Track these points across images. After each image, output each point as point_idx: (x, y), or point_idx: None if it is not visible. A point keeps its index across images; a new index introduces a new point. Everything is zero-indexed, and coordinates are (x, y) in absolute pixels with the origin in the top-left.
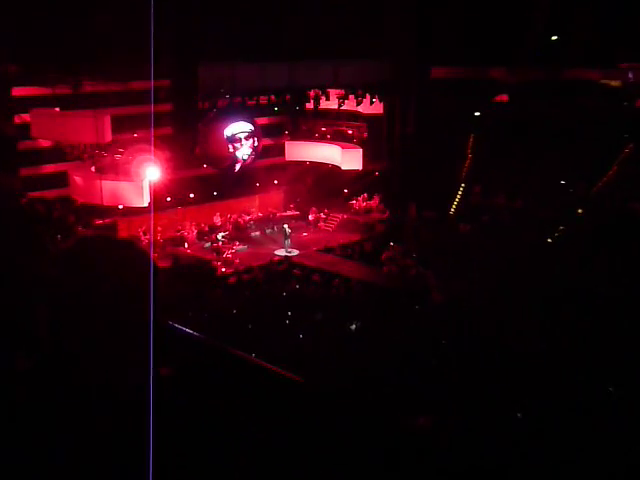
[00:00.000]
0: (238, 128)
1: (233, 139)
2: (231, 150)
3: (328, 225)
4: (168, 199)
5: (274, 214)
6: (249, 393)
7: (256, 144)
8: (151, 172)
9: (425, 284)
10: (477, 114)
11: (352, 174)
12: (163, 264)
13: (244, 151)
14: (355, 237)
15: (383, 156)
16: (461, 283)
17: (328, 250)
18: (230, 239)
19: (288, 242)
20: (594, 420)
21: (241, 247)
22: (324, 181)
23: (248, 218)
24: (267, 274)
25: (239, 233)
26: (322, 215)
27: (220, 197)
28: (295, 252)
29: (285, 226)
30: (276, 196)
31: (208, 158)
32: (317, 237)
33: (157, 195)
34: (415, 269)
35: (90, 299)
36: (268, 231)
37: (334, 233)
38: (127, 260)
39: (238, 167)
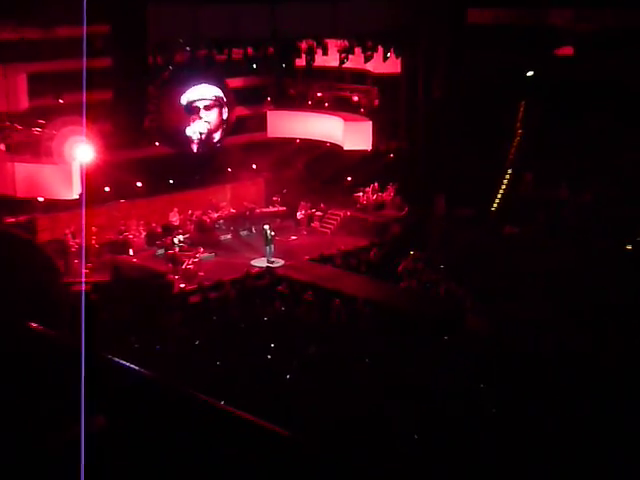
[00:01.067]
0: (203, 93)
1: (196, 108)
2: (193, 123)
3: (325, 226)
4: (107, 189)
5: (251, 210)
6: (217, 453)
7: (227, 115)
8: (83, 152)
9: (458, 307)
10: (530, 74)
11: (358, 156)
12: (99, 277)
13: (200, 127)
14: (362, 242)
15: (400, 131)
16: (508, 306)
17: (325, 259)
18: (192, 244)
19: (271, 248)
20: None
21: (206, 255)
22: (320, 166)
23: (216, 216)
24: (242, 292)
25: (204, 236)
26: (317, 212)
27: (178, 187)
28: (280, 262)
29: (266, 227)
30: (254, 186)
31: (162, 134)
32: (310, 242)
33: (91, 184)
34: (444, 286)
35: None
36: (243, 233)
37: (333, 236)
38: (24, 265)
39: (203, 146)
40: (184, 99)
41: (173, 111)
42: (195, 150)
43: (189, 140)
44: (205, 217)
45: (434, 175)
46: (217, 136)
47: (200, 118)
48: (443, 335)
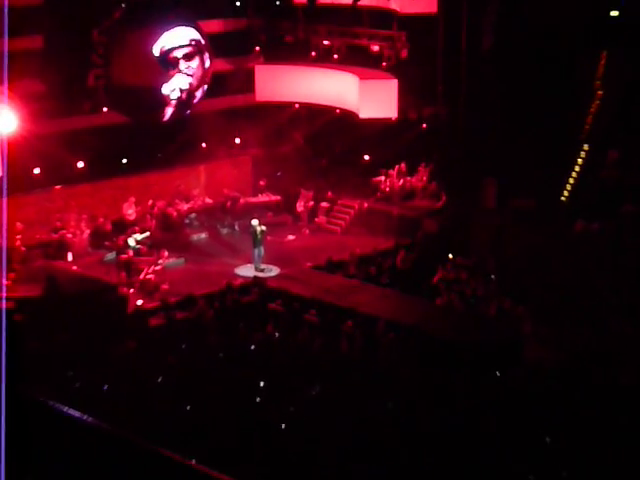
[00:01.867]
0: (178, 38)
1: (174, 59)
2: (172, 78)
3: (334, 221)
4: (36, 171)
5: (234, 200)
6: None
7: (205, 68)
8: (3, 121)
9: (514, 332)
10: (614, 14)
11: (379, 127)
12: (26, 291)
13: (180, 82)
14: (383, 243)
15: (437, 94)
16: (580, 331)
17: (334, 267)
18: (153, 246)
19: (260, 252)
20: None
21: (173, 261)
22: (327, 140)
23: (186, 208)
24: (221, 311)
25: (170, 235)
26: (323, 203)
27: (135, 169)
28: (273, 270)
29: (255, 223)
30: (238, 168)
31: (114, 96)
32: (314, 243)
33: (15, 164)
34: (495, 303)
35: None
36: (223, 231)
37: (345, 236)
38: None
39: (181, 110)
40: (156, 48)
41: (132, 64)
42: (168, 116)
43: (164, 102)
44: (171, 209)
45: (482, 153)
46: (199, 94)
47: (180, 71)
48: (494, 370)
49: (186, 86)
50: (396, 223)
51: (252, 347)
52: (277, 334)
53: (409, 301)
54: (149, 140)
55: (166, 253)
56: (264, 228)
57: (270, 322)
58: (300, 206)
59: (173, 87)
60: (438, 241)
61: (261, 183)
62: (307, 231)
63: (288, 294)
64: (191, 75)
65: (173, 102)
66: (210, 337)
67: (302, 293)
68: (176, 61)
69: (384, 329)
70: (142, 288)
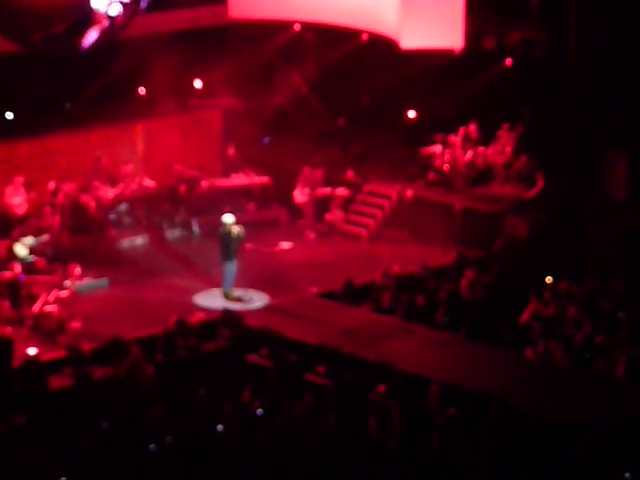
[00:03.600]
0: None
1: None
2: None
3: (357, 218)
4: None
5: (192, 183)
6: None
7: None
8: None
9: None
10: None
11: (433, 64)
12: None
13: None
14: (439, 256)
15: (528, 10)
16: None
17: (356, 294)
18: (56, 258)
19: (233, 268)
20: None
21: (90, 282)
22: (348, 85)
23: (113, 194)
24: (168, 365)
25: (84, 239)
26: (339, 190)
27: (28, 129)
28: (255, 300)
29: (228, 220)
30: (200, 130)
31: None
32: (322, 254)
33: None
34: (625, 356)
35: None
36: (174, 233)
37: (374, 243)
38: None
39: (92, 38)
40: None
41: None
42: (89, 43)
43: (89, 20)
44: (87, 197)
45: (605, 110)
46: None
47: None
48: (623, 470)
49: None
50: (460, 223)
51: (219, 428)
52: (259, 406)
53: (481, 353)
54: (52, 82)
55: (78, 269)
56: (241, 230)
57: (249, 385)
58: (301, 194)
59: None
60: (529, 254)
61: (230, 153)
62: (312, 234)
63: (280, 339)
64: None
65: (106, 19)
66: (149, 411)
67: (303, 338)
68: None
69: (439, 399)
70: (38, 327)
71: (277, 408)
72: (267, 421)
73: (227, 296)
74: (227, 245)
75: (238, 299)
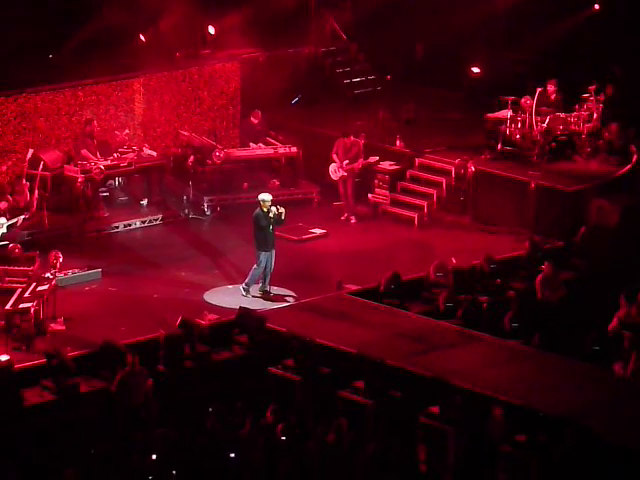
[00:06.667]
0: None
1: None
2: None
3: (407, 199)
4: None
5: (205, 152)
6: None
7: None
8: None
9: None
10: None
11: (501, 4)
12: None
13: None
14: (508, 246)
15: None
16: None
17: (404, 292)
18: (34, 243)
19: (271, 259)
20: None
21: (77, 273)
22: (395, 32)
23: (105, 165)
24: (171, 377)
25: (70, 220)
26: (384, 163)
27: (3, 85)
28: (286, 298)
29: (265, 197)
30: (213, 87)
31: None
32: (363, 243)
33: None
34: None
35: None
36: (185, 214)
37: (428, 229)
38: None
39: None
40: None
41: None
42: None
43: None
44: (73, 169)
45: None
46: None
47: None
48: None
49: None
50: (534, 206)
51: (232, 456)
52: (283, 430)
53: (558, 368)
54: (31, 26)
55: (61, 258)
56: (282, 211)
57: (271, 404)
58: (338, 169)
59: None
60: (620, 245)
61: (251, 117)
62: (352, 218)
63: (309, 347)
64: None
65: None
66: (148, 434)
67: (338, 346)
68: None
69: (505, 424)
70: (11, 328)
71: (305, 433)
72: (292, 449)
73: (264, 295)
74: (264, 231)
75: (267, 295)
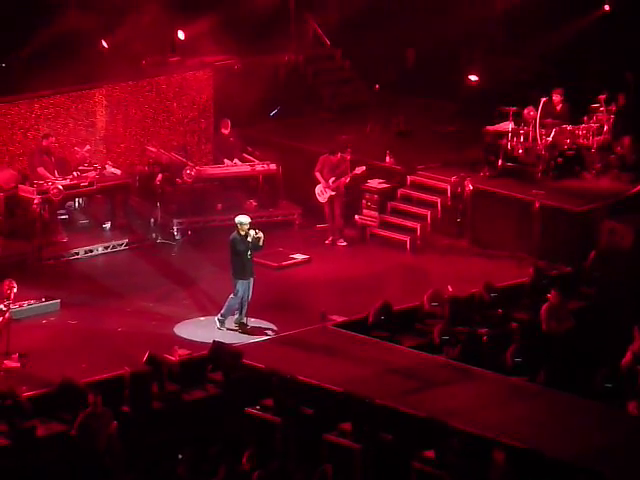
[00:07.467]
0: None
1: None
2: None
3: (398, 221)
4: None
5: (174, 170)
6: None
7: None
8: None
9: None
10: None
11: (502, 4)
12: None
13: None
14: (511, 271)
15: None
16: None
17: (397, 324)
18: None
19: (249, 288)
20: None
21: (33, 304)
22: (385, 36)
23: (63, 184)
24: (137, 419)
25: (24, 246)
26: (373, 181)
27: None
28: (265, 331)
29: (242, 220)
30: (184, 96)
31: None
32: (352, 270)
33: None
34: None
35: None
36: (145, 241)
37: (421, 254)
38: None
39: None
40: None
41: None
42: None
43: None
44: (27, 190)
45: None
46: None
47: None
48: None
49: None
50: (539, 228)
51: None
52: (263, 477)
53: (565, 407)
54: None
55: (15, 286)
56: (260, 235)
57: (248, 449)
58: (325, 189)
59: None
60: (635, 272)
61: (224, 131)
62: (342, 241)
63: (290, 385)
64: None
65: None
66: None
67: (322, 384)
68: None
69: (507, 470)
70: None
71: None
72: None
73: (241, 327)
74: (241, 257)
75: (243, 328)
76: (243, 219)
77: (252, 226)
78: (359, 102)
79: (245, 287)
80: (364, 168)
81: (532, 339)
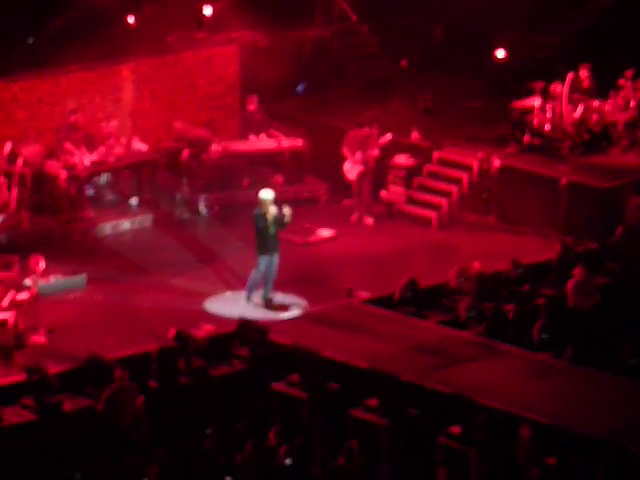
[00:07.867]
0: None
1: None
2: None
3: (424, 197)
4: None
5: (200, 146)
6: None
7: None
8: None
9: None
10: None
11: None
12: None
13: None
14: (537, 249)
15: None
16: None
17: (422, 301)
18: (11, 246)
19: (273, 264)
20: None
21: (60, 279)
22: (412, 11)
23: (91, 161)
24: (163, 395)
25: (51, 221)
26: (399, 157)
27: None
28: (291, 306)
29: (266, 196)
30: (210, 73)
31: None
32: (377, 246)
33: None
34: None
35: None
36: (179, 213)
37: (447, 230)
38: None
39: None
40: None
41: None
42: None
43: None
44: (54, 164)
45: None
46: None
47: None
48: None
49: None
50: (566, 204)
51: None
52: (287, 453)
53: (592, 383)
54: (7, 6)
55: (42, 263)
56: (287, 211)
57: (274, 424)
58: (353, 162)
59: None
60: None
61: (250, 107)
62: (369, 218)
63: (316, 361)
64: None
65: None
66: (138, 457)
67: (348, 360)
68: None
69: (533, 446)
70: None
71: (312, 456)
72: (298, 474)
73: (267, 303)
74: (263, 233)
75: (271, 305)
76: (265, 195)
77: (277, 202)
78: (385, 78)
79: (267, 262)
80: (390, 136)
81: (558, 315)
